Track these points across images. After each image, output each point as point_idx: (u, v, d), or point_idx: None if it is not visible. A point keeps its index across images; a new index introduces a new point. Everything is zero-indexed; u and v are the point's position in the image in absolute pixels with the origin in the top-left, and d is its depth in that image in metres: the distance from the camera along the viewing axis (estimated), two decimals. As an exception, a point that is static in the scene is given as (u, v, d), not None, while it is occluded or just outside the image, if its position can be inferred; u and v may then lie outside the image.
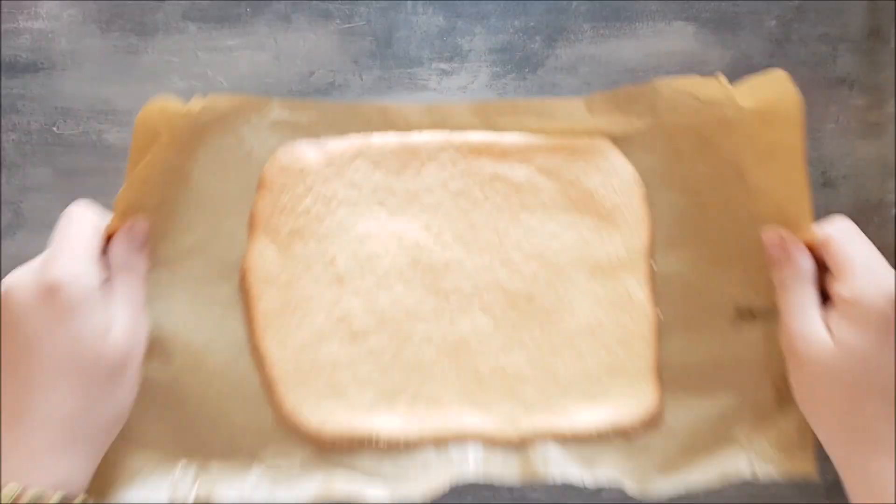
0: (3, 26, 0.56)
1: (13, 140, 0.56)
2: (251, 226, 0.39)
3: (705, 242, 0.39)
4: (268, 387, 0.38)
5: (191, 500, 0.36)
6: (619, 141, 0.40)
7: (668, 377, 0.39)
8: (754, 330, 0.39)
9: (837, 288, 0.34)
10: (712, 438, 0.39)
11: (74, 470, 0.31)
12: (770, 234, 0.37)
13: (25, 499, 0.28)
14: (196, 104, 0.39)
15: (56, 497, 0.29)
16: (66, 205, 0.57)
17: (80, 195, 0.56)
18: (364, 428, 0.38)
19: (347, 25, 0.57)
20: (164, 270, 0.38)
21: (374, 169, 0.40)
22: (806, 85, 0.57)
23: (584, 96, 0.42)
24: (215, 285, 0.38)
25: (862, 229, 0.56)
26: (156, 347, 0.37)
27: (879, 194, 0.56)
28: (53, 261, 0.32)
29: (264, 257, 0.38)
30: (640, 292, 0.39)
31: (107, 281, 0.34)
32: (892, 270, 0.34)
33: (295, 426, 0.38)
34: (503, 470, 0.39)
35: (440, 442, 0.39)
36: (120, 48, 0.56)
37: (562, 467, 0.38)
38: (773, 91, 0.39)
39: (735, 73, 0.57)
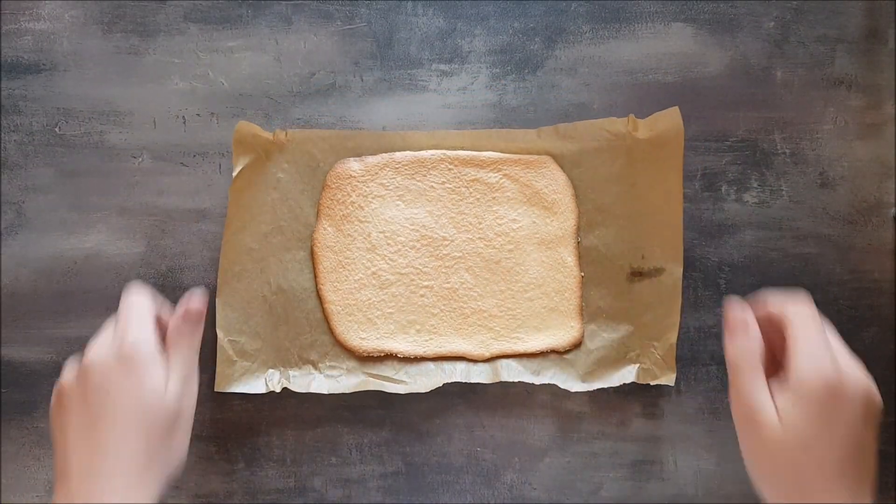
0: (5, 27, 0.56)
1: (15, 140, 0.56)
2: (317, 213, 0.55)
3: (611, 226, 0.55)
4: (326, 318, 0.55)
5: (278, 390, 0.53)
6: (558, 158, 0.55)
7: (587, 315, 0.55)
8: (642, 285, 0.54)
9: (786, 367, 0.39)
10: (615, 356, 0.54)
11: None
12: (733, 307, 0.42)
13: None
14: (283, 135, 0.54)
15: None
16: (68, 205, 0.57)
17: (81, 195, 0.56)
18: (387, 347, 0.54)
19: (348, 27, 0.57)
20: (263, 242, 0.54)
21: (396, 174, 0.55)
22: (804, 86, 0.57)
23: (536, 129, 0.55)
24: (296, 250, 0.55)
25: (860, 229, 0.57)
26: (265, 286, 0.54)
27: (878, 194, 0.56)
28: (124, 334, 0.41)
29: (325, 233, 0.55)
30: (569, 258, 0.55)
31: (165, 348, 0.44)
32: (831, 355, 0.38)
33: (343, 345, 0.54)
34: (479, 377, 0.54)
35: (437, 358, 0.55)
36: (122, 49, 0.56)
37: (517, 376, 0.54)
38: (665, 123, 0.53)
39: (733, 74, 0.57)
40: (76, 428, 0.39)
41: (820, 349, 0.38)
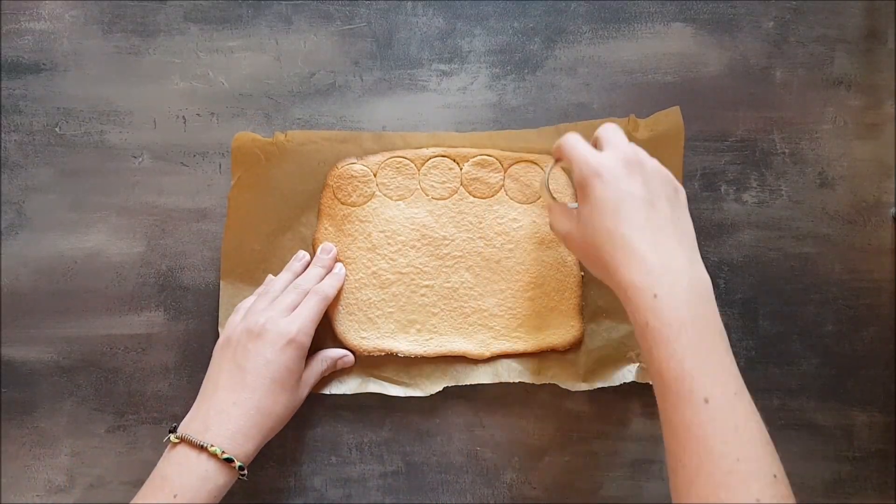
0: (6, 27, 0.56)
1: (15, 140, 0.56)
2: (319, 212, 0.55)
3: None
4: (327, 317, 0.54)
5: None
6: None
7: (587, 315, 0.55)
8: None
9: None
10: (615, 356, 0.55)
11: (246, 440, 0.46)
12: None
13: (212, 449, 0.45)
14: (282, 137, 0.54)
15: (222, 453, 0.45)
16: (68, 205, 0.58)
17: (81, 195, 0.56)
18: (388, 347, 0.54)
19: (348, 27, 0.57)
20: (266, 241, 0.55)
21: (396, 174, 0.55)
22: (803, 86, 0.57)
23: (536, 129, 0.55)
24: (297, 250, 0.55)
25: (859, 229, 0.57)
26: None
27: (877, 194, 0.56)
28: (294, 324, 0.49)
29: (326, 232, 0.55)
30: (570, 258, 0.55)
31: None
32: (628, 142, 0.45)
33: (343, 344, 0.55)
34: (481, 378, 0.54)
35: (438, 359, 0.55)
36: (122, 49, 0.56)
37: (518, 376, 0.54)
38: (666, 123, 0.54)
39: (733, 74, 0.57)
40: (231, 362, 0.48)
41: (617, 135, 0.45)
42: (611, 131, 0.46)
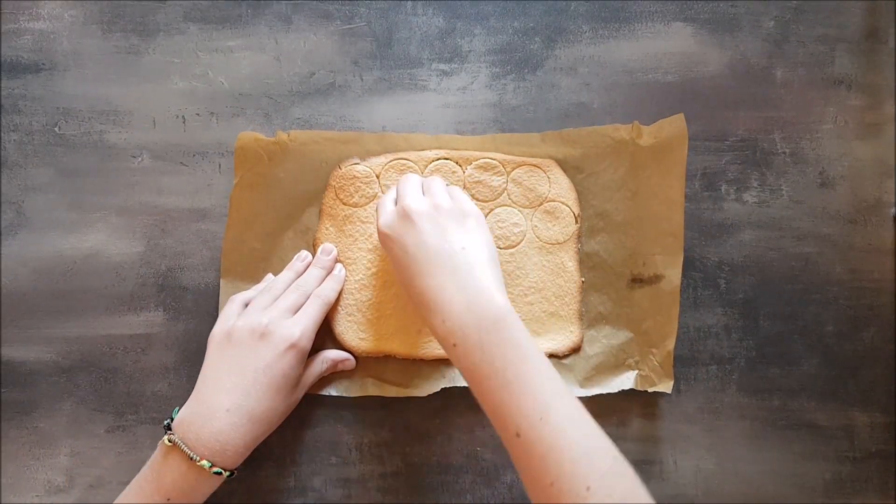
0: (5, 27, 0.56)
1: (15, 140, 0.56)
2: (320, 213, 0.55)
3: (612, 232, 0.55)
4: (327, 318, 0.54)
5: None
6: (561, 163, 0.55)
7: (586, 320, 0.55)
8: (643, 291, 0.54)
9: None
10: (613, 362, 0.55)
11: (235, 453, 0.47)
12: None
13: (200, 462, 0.45)
14: (285, 136, 0.54)
15: (210, 467, 0.46)
16: (67, 205, 0.58)
17: (81, 195, 0.56)
18: (386, 348, 0.54)
19: (348, 26, 0.57)
20: (267, 240, 0.55)
21: (399, 176, 0.55)
22: (804, 85, 0.57)
23: (540, 133, 0.55)
24: (298, 250, 0.55)
25: (860, 229, 0.57)
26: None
27: (877, 194, 0.56)
28: (297, 327, 0.50)
29: (327, 233, 0.55)
30: (570, 263, 0.55)
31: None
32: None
33: (342, 345, 0.54)
34: None
35: (436, 361, 0.54)
36: (121, 49, 0.56)
37: None
38: (669, 130, 0.54)
39: (733, 74, 0.57)
40: (230, 360, 0.48)
41: (405, 187, 0.49)
42: (400, 186, 0.50)
